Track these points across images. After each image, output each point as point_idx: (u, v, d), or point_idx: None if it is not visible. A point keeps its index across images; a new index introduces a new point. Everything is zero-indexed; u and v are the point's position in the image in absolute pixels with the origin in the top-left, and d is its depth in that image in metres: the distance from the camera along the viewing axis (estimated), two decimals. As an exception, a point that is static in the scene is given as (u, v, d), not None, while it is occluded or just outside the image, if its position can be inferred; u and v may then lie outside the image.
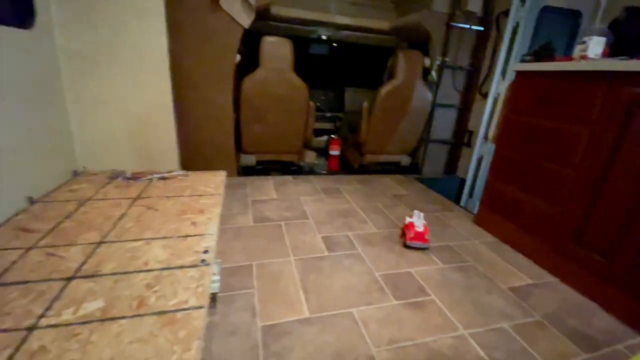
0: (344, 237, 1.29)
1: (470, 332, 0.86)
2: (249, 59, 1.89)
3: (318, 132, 2.62)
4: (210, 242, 0.86)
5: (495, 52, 2.09)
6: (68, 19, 1.19)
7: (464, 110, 2.41)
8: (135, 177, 1.30)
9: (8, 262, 0.70)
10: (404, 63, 2.08)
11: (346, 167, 2.43)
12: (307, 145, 2.27)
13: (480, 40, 2.25)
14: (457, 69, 2.29)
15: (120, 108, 1.33)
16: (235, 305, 0.81)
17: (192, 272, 0.72)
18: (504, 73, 2.00)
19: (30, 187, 1.00)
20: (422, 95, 2.17)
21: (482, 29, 2.20)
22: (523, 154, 1.42)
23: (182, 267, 0.73)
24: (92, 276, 0.67)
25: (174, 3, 1.40)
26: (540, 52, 1.43)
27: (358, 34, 2.60)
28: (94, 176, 1.28)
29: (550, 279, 1.18)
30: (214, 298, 0.95)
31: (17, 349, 0.49)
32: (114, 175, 1.28)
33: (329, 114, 2.92)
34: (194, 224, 0.94)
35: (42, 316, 0.56)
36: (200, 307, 0.61)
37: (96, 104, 1.29)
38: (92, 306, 0.59)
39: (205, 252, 0.80)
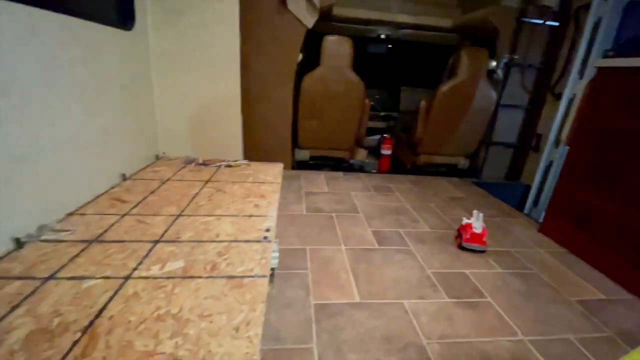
0: (395, 233, 1.28)
1: (531, 339, 0.80)
2: (310, 57, 1.98)
3: (370, 131, 2.61)
4: (271, 222, 0.93)
5: (572, 49, 1.90)
6: (159, 23, 1.37)
7: (532, 112, 2.22)
8: (205, 163, 1.44)
9: (107, 225, 0.83)
10: (467, 61, 1.99)
11: (398, 167, 2.40)
12: (359, 143, 2.28)
13: (555, 36, 2.05)
14: (527, 68, 2.13)
15: (195, 102, 1.49)
16: (291, 283, 0.87)
17: (256, 246, 0.79)
18: (582, 72, 1.81)
19: (124, 166, 1.17)
20: (486, 94, 2.05)
21: (557, 24, 2.02)
22: (602, 157, 1.27)
23: (247, 241, 0.80)
24: (174, 241, 0.77)
25: (246, 8, 1.52)
26: (627, 47, 1.27)
27: (418, 32, 2.54)
28: (172, 160, 1.45)
29: (626, 295, 1.05)
30: (272, 273, 1.02)
31: (116, 292, 0.59)
32: (188, 161, 1.44)
33: (382, 113, 2.89)
34: (256, 206, 1.03)
35: (135, 269, 0.66)
36: (264, 277, 0.67)
37: (176, 98, 1.46)
38: (175, 265, 0.68)
39: (267, 230, 0.87)
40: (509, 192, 2.13)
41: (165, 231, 0.82)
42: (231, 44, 1.44)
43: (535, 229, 1.53)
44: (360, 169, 2.35)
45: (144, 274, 0.65)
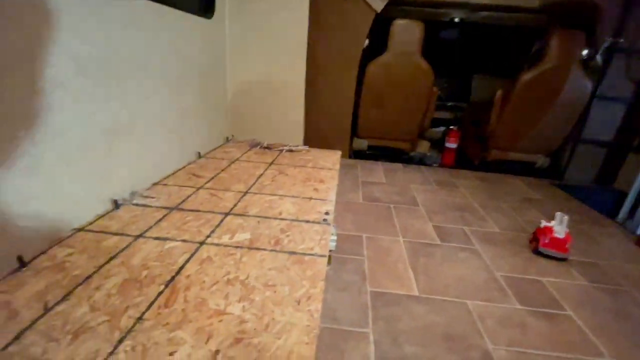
0: (459, 230, 1.20)
1: (621, 364, 0.69)
2: (376, 43, 1.92)
3: (435, 122, 2.46)
4: (330, 206, 0.94)
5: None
6: (235, 11, 1.45)
7: (637, 106, 1.88)
8: (269, 147, 1.51)
9: (185, 196, 0.92)
10: (558, 46, 1.74)
11: (463, 162, 2.23)
12: (422, 135, 2.17)
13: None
14: (634, 54, 1.79)
15: (263, 87, 1.55)
16: (347, 267, 0.87)
17: (316, 227, 0.80)
18: None
19: (199, 145, 1.27)
20: (579, 84, 1.78)
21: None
22: None
23: (307, 221, 0.82)
24: (242, 215, 0.83)
25: (316, -7, 1.53)
26: None
27: (497, 14, 2.30)
28: (239, 143, 1.55)
29: None
30: (329, 255, 1.04)
31: (192, 255, 0.65)
32: (254, 144, 1.52)
33: (450, 104, 2.70)
34: (316, 190, 1.04)
35: (208, 236, 0.72)
36: (323, 256, 0.68)
37: (245, 83, 1.54)
38: (242, 237, 0.73)
39: (327, 213, 0.88)
40: (599, 197, 1.84)
41: (235, 205, 0.88)
42: (300, 30, 1.47)
43: (632, 242, 1.31)
44: (421, 161, 2.24)
45: (216, 241, 0.70)
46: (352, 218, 1.19)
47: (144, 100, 0.92)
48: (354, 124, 1.99)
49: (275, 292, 0.56)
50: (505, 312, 0.81)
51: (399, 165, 1.97)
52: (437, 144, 2.45)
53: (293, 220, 0.82)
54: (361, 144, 2.08)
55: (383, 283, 0.83)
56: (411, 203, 1.41)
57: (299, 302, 0.54)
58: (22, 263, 0.58)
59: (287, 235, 0.74)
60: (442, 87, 2.60)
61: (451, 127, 2.22)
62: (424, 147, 2.17)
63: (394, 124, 1.97)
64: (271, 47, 1.49)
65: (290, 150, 1.49)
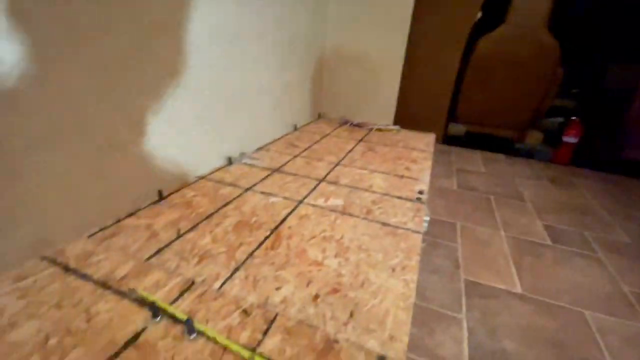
0: (576, 234, 1.02)
1: None
2: (490, 15, 1.70)
3: (550, 112, 2.10)
4: (424, 186, 0.89)
5: None
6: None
7: None
8: (359, 125, 1.50)
9: (284, 161, 0.98)
10: None
11: (583, 160, 1.86)
12: (533, 124, 1.88)
13: None
14: None
15: (358, 64, 1.54)
16: (438, 252, 0.82)
17: (409, 204, 0.77)
18: None
19: (296, 118, 1.34)
20: None
21: None
22: None
23: (399, 197, 0.80)
24: (334, 183, 0.85)
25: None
26: None
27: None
28: (329, 120, 1.59)
29: None
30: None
31: (292, 211, 0.69)
32: (344, 121, 1.54)
33: (574, 90, 2.26)
34: (407, 168, 1.01)
35: (305, 197, 0.76)
36: (418, 232, 0.65)
37: (341, 60, 1.55)
38: (336, 202, 0.75)
39: (420, 192, 0.84)
40: None
41: (327, 174, 0.91)
42: (405, 3, 1.39)
43: None
44: (528, 154, 1.94)
45: (312, 202, 0.74)
46: (444, 204, 1.11)
47: (257, 72, 1.00)
48: (451, 107, 1.83)
49: (369, 255, 0.56)
50: (634, 331, 0.66)
51: (501, 156, 1.74)
52: (550, 137, 2.09)
53: (384, 194, 0.81)
54: (458, 129, 1.90)
55: (479, 274, 0.76)
56: (516, 197, 1.25)
57: (393, 270, 0.53)
58: (161, 197, 0.70)
59: (379, 207, 0.74)
60: (566, 70, 2.18)
61: (572, 117, 1.87)
62: (534, 138, 1.86)
63: (502, 110, 1.74)
64: (372, 23, 1.46)
65: (380, 130, 1.46)
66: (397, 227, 0.66)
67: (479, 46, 1.62)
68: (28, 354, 0.36)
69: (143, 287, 0.46)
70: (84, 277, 0.47)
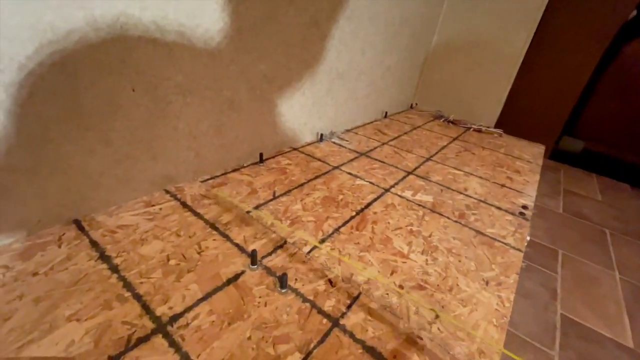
0: None
1: None
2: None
3: None
4: (529, 201, 0.79)
5: None
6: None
7: None
8: (454, 121, 1.40)
9: (372, 146, 0.97)
10: None
11: None
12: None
13: None
14: None
15: (467, 57, 1.41)
16: (533, 276, 0.73)
17: (509, 217, 0.70)
18: None
19: (386, 106, 1.30)
20: None
21: None
22: None
23: (499, 208, 0.72)
24: (424, 178, 0.81)
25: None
26: None
27: None
28: (422, 112, 1.50)
29: None
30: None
31: (378, 197, 0.68)
32: (438, 115, 1.44)
33: None
34: (509, 178, 0.90)
35: (392, 186, 0.74)
36: (519, 250, 0.58)
37: (448, 49, 1.43)
38: (425, 198, 0.71)
39: (524, 207, 0.75)
40: None
41: (417, 167, 0.87)
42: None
43: None
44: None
45: (399, 192, 0.71)
46: (545, 227, 0.97)
47: (362, 53, 0.98)
48: (570, 119, 1.57)
49: (460, 261, 0.52)
50: None
51: (626, 186, 1.44)
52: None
53: (480, 200, 0.74)
54: (574, 145, 1.61)
55: (581, 313, 0.65)
56: None
57: (487, 283, 0.49)
58: (261, 159, 0.75)
59: (474, 214, 0.68)
60: None
61: None
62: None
63: None
64: (493, 13, 1.30)
65: (479, 130, 1.34)
66: (493, 238, 0.60)
67: (628, 50, 1.33)
68: (153, 268, 0.42)
69: (243, 236, 0.51)
70: (197, 215, 0.54)
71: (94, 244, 0.45)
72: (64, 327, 0.33)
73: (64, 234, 0.46)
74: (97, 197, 0.50)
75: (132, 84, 0.47)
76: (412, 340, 0.38)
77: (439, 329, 0.40)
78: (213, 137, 0.64)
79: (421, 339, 0.38)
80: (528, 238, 0.79)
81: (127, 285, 0.39)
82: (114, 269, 0.41)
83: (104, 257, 0.43)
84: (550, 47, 1.42)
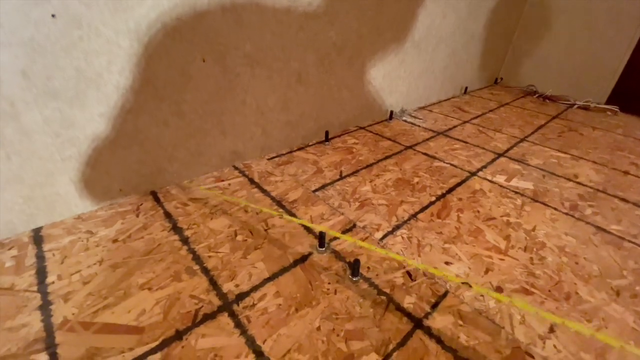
0: None
1: None
2: None
3: None
4: (668, 194, 0.61)
5: None
6: None
7: None
8: (552, 98, 1.17)
9: (451, 125, 0.85)
10: None
11: None
12: None
13: None
14: None
15: (571, 20, 1.15)
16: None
17: (642, 212, 0.54)
18: None
19: (467, 80, 1.14)
20: None
21: None
22: None
23: (624, 200, 0.56)
24: (520, 161, 0.67)
25: None
26: None
27: None
28: (509, 88, 1.29)
29: None
30: None
31: (463, 181, 0.58)
32: (530, 91, 1.22)
33: None
34: (634, 164, 0.71)
35: (479, 170, 0.63)
36: (661, 255, 0.44)
37: (546, 13, 1.18)
38: (523, 184, 0.59)
39: (663, 200, 0.58)
40: None
41: (509, 149, 0.73)
42: None
43: None
44: None
45: (489, 177, 0.60)
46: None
47: (443, 16, 0.85)
48: None
49: (576, 263, 0.41)
50: None
51: None
52: None
53: (598, 190, 0.59)
54: None
55: None
56: None
57: (618, 294, 0.37)
58: (327, 138, 0.71)
59: (590, 205, 0.54)
60: None
61: None
62: None
63: None
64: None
65: (585, 108, 1.09)
66: (621, 237, 0.46)
67: None
68: (221, 242, 0.41)
69: (310, 215, 0.47)
70: (264, 192, 0.52)
71: (167, 215, 0.45)
72: (136, 295, 0.33)
73: (141, 204, 0.47)
74: (171, 169, 0.50)
75: (202, 54, 0.46)
76: (519, 356, 0.30)
77: (554, 346, 0.31)
78: (280, 113, 0.61)
79: (532, 357, 0.30)
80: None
81: (196, 258, 0.38)
82: (185, 240, 0.41)
83: (176, 229, 0.43)
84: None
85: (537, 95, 1.18)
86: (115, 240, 0.40)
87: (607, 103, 1.13)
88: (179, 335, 0.30)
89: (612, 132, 0.90)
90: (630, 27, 1.06)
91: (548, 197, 0.55)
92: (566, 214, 0.51)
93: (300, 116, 0.65)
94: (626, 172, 0.66)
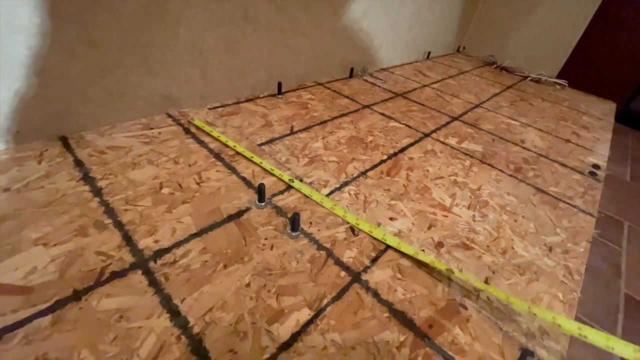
0: None
1: None
2: None
3: None
4: (600, 161, 0.65)
5: None
6: None
7: None
8: (508, 69, 1.19)
9: (411, 87, 0.82)
10: None
11: None
12: None
13: None
14: None
15: (527, 8, 1.15)
16: (593, 248, 0.61)
17: (577, 176, 0.57)
18: None
19: (430, 45, 1.12)
20: None
21: None
22: None
23: (563, 165, 0.59)
24: (472, 125, 0.68)
25: None
26: None
27: None
28: (470, 57, 1.30)
29: None
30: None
31: (416, 142, 0.57)
32: (489, 61, 1.24)
33: None
34: (575, 134, 0.75)
35: (433, 131, 0.62)
36: (589, 214, 0.47)
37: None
38: (473, 147, 0.59)
39: (595, 167, 0.61)
40: None
41: (464, 113, 0.73)
42: None
43: None
44: None
45: (441, 139, 0.60)
46: (610, 195, 0.82)
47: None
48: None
49: (515, 221, 0.42)
50: None
51: None
52: None
53: (540, 154, 0.61)
54: None
55: (646, 295, 0.55)
56: None
57: (550, 249, 0.38)
58: (280, 91, 0.65)
59: (532, 169, 0.55)
60: None
61: None
62: None
63: None
64: None
65: (537, 81, 1.13)
66: (558, 198, 0.48)
67: None
68: (142, 194, 0.35)
69: (252, 170, 0.42)
70: (201, 143, 0.46)
71: (78, 163, 0.38)
72: (27, 251, 0.28)
73: (46, 150, 0.39)
74: (84, 111, 0.42)
75: (117, -35, 0.37)
76: (453, 309, 0.29)
77: (488, 298, 0.31)
78: (223, 54, 0.53)
79: (465, 308, 0.29)
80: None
81: (109, 212, 0.33)
82: (97, 192, 0.35)
83: (87, 179, 0.36)
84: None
85: (495, 65, 1.20)
86: (6, 189, 0.33)
87: (558, 77, 1.18)
88: (76, 296, 0.25)
89: (559, 104, 0.94)
90: (585, 5, 1.09)
91: (495, 160, 0.56)
92: (510, 175, 0.52)
93: (249, 62, 0.59)
94: (567, 141, 0.70)
